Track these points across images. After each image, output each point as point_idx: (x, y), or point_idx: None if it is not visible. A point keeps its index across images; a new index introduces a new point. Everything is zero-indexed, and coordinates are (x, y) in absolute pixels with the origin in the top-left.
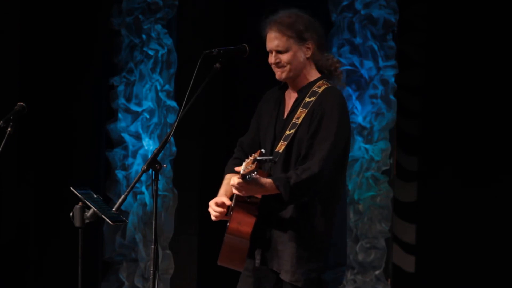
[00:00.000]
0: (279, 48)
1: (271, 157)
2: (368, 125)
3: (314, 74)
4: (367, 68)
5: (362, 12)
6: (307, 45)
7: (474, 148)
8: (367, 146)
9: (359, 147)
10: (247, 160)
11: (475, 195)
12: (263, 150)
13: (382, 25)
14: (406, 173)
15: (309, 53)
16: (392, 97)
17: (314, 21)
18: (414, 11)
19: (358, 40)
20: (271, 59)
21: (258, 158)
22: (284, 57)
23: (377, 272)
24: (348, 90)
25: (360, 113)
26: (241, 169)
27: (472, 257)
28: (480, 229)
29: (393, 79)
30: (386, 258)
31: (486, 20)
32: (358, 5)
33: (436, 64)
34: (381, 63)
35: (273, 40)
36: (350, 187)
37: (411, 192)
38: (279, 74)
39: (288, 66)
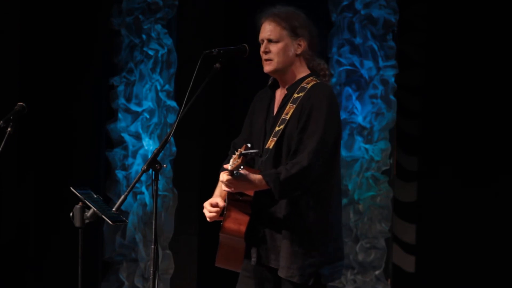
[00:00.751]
0: (271, 37)
1: (256, 150)
2: (368, 125)
3: (303, 71)
4: (367, 68)
5: (362, 12)
6: (298, 42)
7: (474, 148)
8: (367, 146)
9: (359, 147)
10: (234, 156)
11: (475, 195)
12: (249, 145)
13: (382, 25)
14: (406, 173)
15: (299, 50)
16: (392, 97)
17: (310, 21)
18: (414, 11)
19: (358, 40)
20: (261, 47)
21: (243, 152)
22: (274, 48)
23: (377, 272)
24: (348, 90)
25: (360, 113)
26: (229, 165)
27: (472, 257)
28: (480, 229)
29: (393, 79)
30: (386, 258)
31: (486, 20)
32: (358, 5)
33: (436, 64)
34: (381, 63)
35: (267, 28)
36: (350, 187)
37: (411, 192)
38: (267, 67)
39: (275, 59)
